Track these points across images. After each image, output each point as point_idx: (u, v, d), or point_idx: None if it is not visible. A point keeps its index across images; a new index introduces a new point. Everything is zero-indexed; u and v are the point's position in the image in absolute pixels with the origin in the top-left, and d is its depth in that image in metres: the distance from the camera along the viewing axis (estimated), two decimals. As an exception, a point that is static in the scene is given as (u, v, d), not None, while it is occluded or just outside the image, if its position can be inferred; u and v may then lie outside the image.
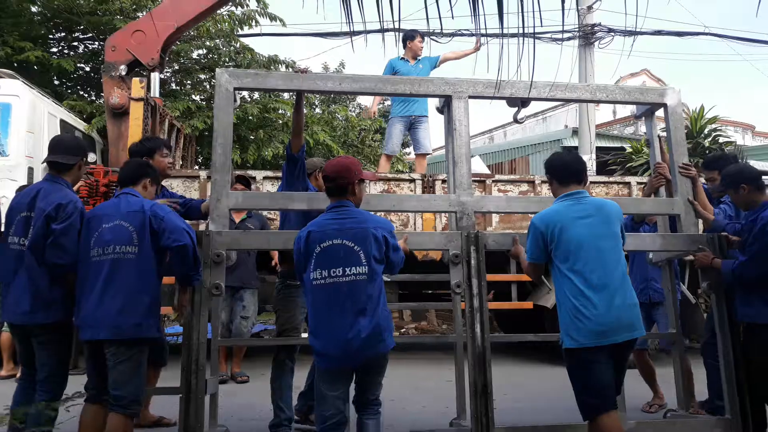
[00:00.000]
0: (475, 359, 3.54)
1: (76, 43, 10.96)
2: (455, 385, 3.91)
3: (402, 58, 7.52)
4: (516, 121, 8.51)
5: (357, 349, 2.93)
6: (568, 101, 11.75)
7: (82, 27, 10.27)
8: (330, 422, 2.99)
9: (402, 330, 11.02)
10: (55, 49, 10.72)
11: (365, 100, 25.98)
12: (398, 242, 3.23)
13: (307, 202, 3.85)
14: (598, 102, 8.95)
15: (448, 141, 4.20)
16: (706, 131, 10.24)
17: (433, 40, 8.19)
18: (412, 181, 6.76)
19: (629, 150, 10.84)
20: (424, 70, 7.55)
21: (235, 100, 4.01)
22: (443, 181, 6.80)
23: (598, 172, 10.99)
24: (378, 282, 3.05)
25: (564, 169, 3.38)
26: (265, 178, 6.55)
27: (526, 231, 3.43)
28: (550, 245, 3.21)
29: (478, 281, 3.64)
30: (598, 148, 11.94)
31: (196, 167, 9.65)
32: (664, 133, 4.56)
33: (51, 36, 10.66)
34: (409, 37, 7.48)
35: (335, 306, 2.97)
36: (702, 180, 4.48)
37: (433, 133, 7.86)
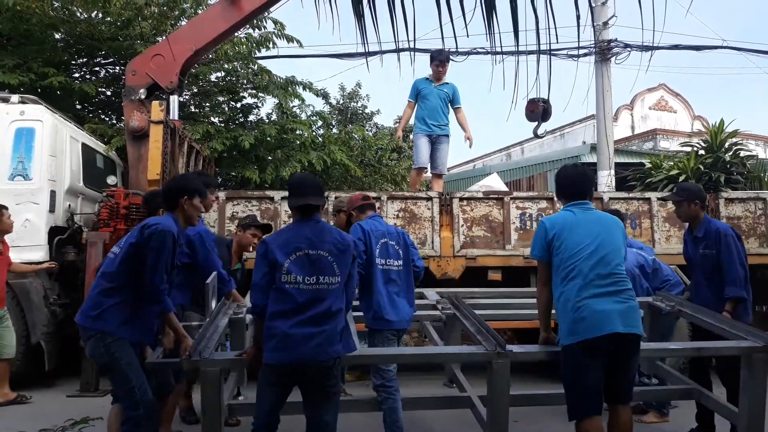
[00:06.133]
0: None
1: (97, 68, 11.17)
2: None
3: (427, 78, 7.62)
4: (536, 135, 8.48)
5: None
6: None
7: (103, 52, 10.47)
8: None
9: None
10: (77, 74, 10.92)
11: (381, 120, 25.97)
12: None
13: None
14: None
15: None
16: (726, 145, 10.07)
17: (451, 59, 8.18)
18: (430, 199, 6.74)
19: (648, 165, 10.69)
20: (447, 95, 7.60)
21: None
22: (461, 199, 6.77)
23: (618, 188, 10.87)
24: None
25: (570, 187, 3.58)
26: (283, 198, 6.55)
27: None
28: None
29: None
30: (617, 164, 11.82)
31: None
32: None
33: (73, 61, 10.87)
34: (433, 59, 7.56)
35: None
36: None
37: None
